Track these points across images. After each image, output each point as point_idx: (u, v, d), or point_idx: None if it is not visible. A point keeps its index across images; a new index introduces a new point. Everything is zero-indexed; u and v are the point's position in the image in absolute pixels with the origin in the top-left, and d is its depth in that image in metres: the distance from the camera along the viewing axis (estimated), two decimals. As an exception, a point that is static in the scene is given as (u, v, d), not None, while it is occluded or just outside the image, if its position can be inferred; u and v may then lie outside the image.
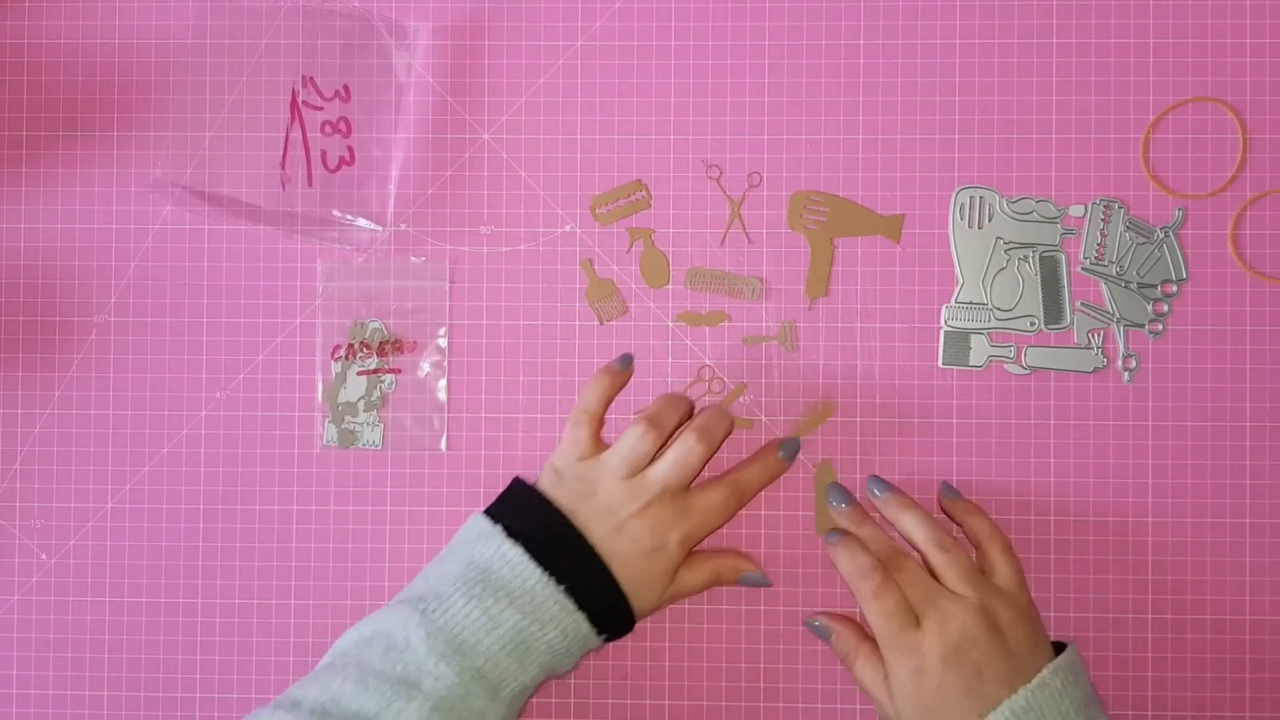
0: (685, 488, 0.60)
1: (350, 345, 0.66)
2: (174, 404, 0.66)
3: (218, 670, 0.65)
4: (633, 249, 0.65)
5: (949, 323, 0.65)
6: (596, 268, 0.65)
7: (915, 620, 0.57)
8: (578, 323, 0.65)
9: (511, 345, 0.65)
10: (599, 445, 0.61)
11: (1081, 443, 0.64)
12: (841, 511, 0.62)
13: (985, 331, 0.64)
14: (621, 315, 0.65)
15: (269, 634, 0.65)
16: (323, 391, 0.66)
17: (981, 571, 0.59)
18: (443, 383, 0.65)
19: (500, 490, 0.61)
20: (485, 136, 0.66)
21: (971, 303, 0.64)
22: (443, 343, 0.66)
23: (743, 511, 0.64)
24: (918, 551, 0.60)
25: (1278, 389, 0.64)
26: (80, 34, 0.67)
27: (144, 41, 0.67)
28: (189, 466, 0.66)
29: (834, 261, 0.65)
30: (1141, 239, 0.64)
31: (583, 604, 0.56)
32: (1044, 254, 0.64)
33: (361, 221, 0.65)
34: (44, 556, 0.66)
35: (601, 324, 0.65)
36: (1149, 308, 0.64)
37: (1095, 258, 0.64)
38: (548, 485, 0.60)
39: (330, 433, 0.66)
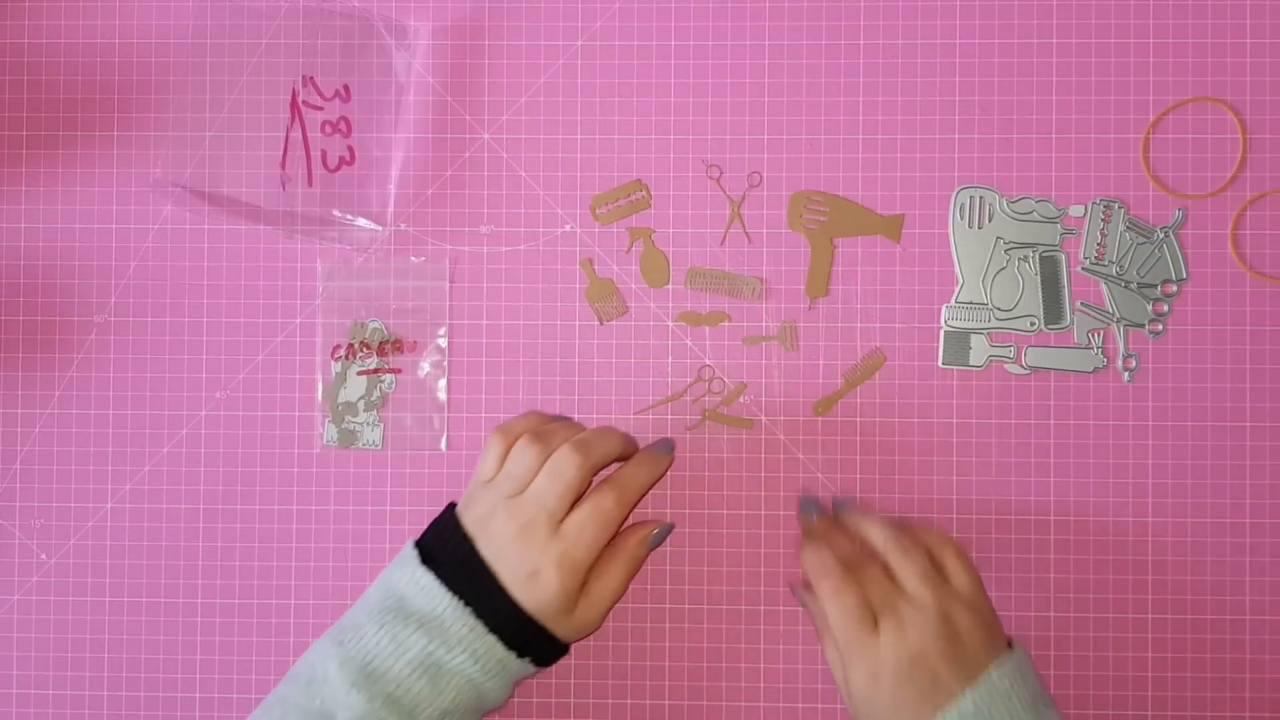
0: (565, 506, 0.57)
1: (350, 345, 0.66)
2: (174, 404, 0.66)
3: (218, 670, 0.65)
4: (633, 249, 0.65)
5: (949, 323, 0.65)
6: (596, 268, 0.65)
7: (874, 622, 0.56)
8: (578, 323, 0.65)
9: (511, 345, 0.65)
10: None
11: (1081, 443, 0.64)
12: (813, 521, 0.62)
13: (985, 331, 0.64)
14: (621, 315, 0.65)
15: (269, 634, 0.65)
16: (323, 391, 0.66)
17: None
18: (443, 383, 0.65)
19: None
20: (485, 136, 0.66)
21: (971, 303, 0.64)
22: (443, 343, 0.66)
23: (741, 512, 0.64)
24: (879, 556, 0.59)
25: (1278, 389, 0.64)
26: (80, 34, 0.67)
27: (144, 41, 0.67)
28: (189, 466, 0.66)
29: (834, 261, 0.65)
30: (1141, 239, 0.64)
31: (494, 627, 0.55)
32: (1044, 254, 0.64)
33: (361, 221, 0.65)
34: (44, 556, 0.66)
35: (601, 324, 0.65)
36: (1149, 308, 0.64)
37: (1095, 258, 0.64)
38: (462, 507, 0.59)
39: (330, 433, 0.66)
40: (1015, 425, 0.64)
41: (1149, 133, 0.65)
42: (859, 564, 0.58)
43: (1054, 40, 0.65)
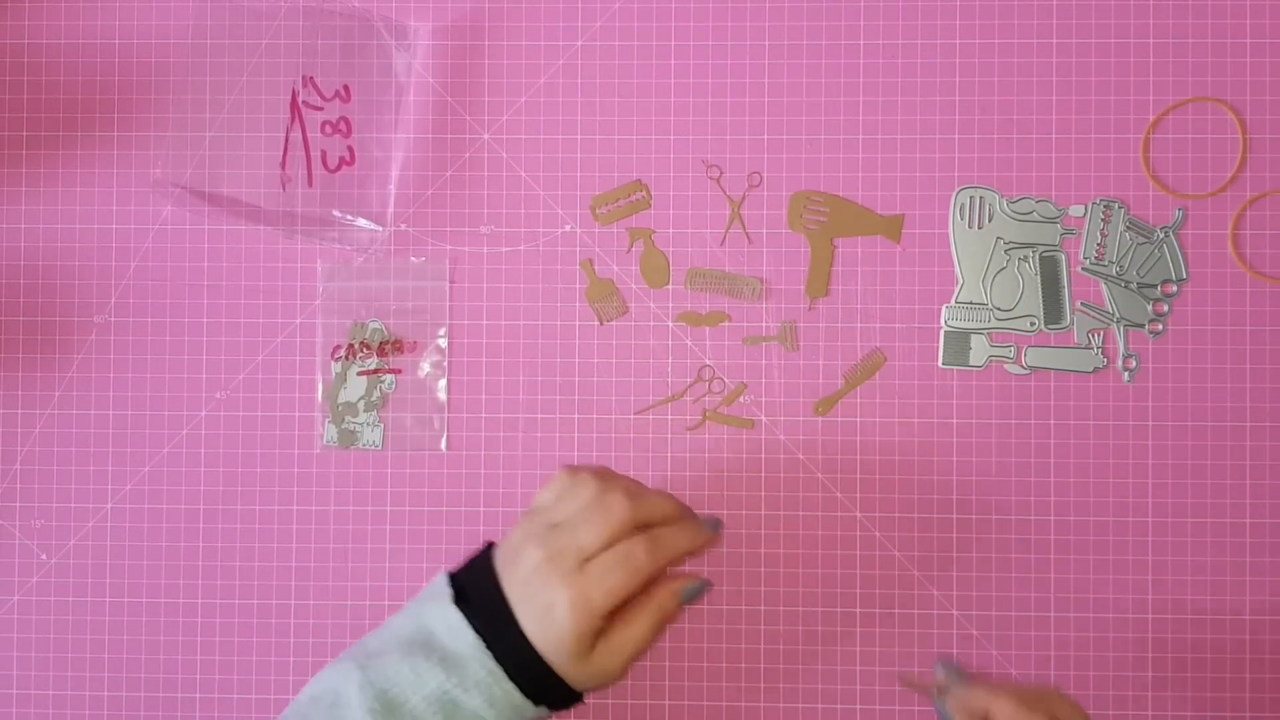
0: (597, 545, 0.54)
1: (350, 345, 0.66)
2: (174, 404, 0.66)
3: (218, 670, 0.65)
4: (633, 249, 0.65)
5: (949, 323, 0.65)
6: (596, 268, 0.65)
7: None
8: (578, 323, 0.65)
9: (511, 345, 0.65)
10: None
11: (1081, 443, 0.64)
12: (944, 680, 0.58)
13: (985, 331, 0.64)
14: (621, 315, 0.65)
15: (269, 634, 0.65)
16: (323, 391, 0.66)
17: None
18: (443, 383, 0.65)
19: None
20: (485, 136, 0.66)
21: (971, 303, 0.64)
22: (443, 343, 0.66)
23: (741, 512, 0.64)
24: None
25: (1278, 389, 0.64)
26: (80, 34, 0.67)
27: (144, 41, 0.67)
28: (189, 466, 0.66)
29: (834, 261, 0.65)
30: (1141, 239, 0.64)
31: (511, 672, 0.54)
32: (1044, 254, 0.64)
33: (361, 221, 0.65)
34: (44, 556, 0.66)
35: (601, 324, 0.65)
36: (1149, 308, 0.64)
37: (1095, 258, 0.64)
38: (502, 540, 0.57)
39: (330, 433, 0.66)
40: (1015, 425, 0.64)
41: (1149, 133, 0.65)
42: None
43: (1054, 40, 0.65)
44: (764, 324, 0.65)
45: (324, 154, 0.65)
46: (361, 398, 0.66)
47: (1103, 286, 0.64)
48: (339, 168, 0.65)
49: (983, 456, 0.64)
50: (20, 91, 0.67)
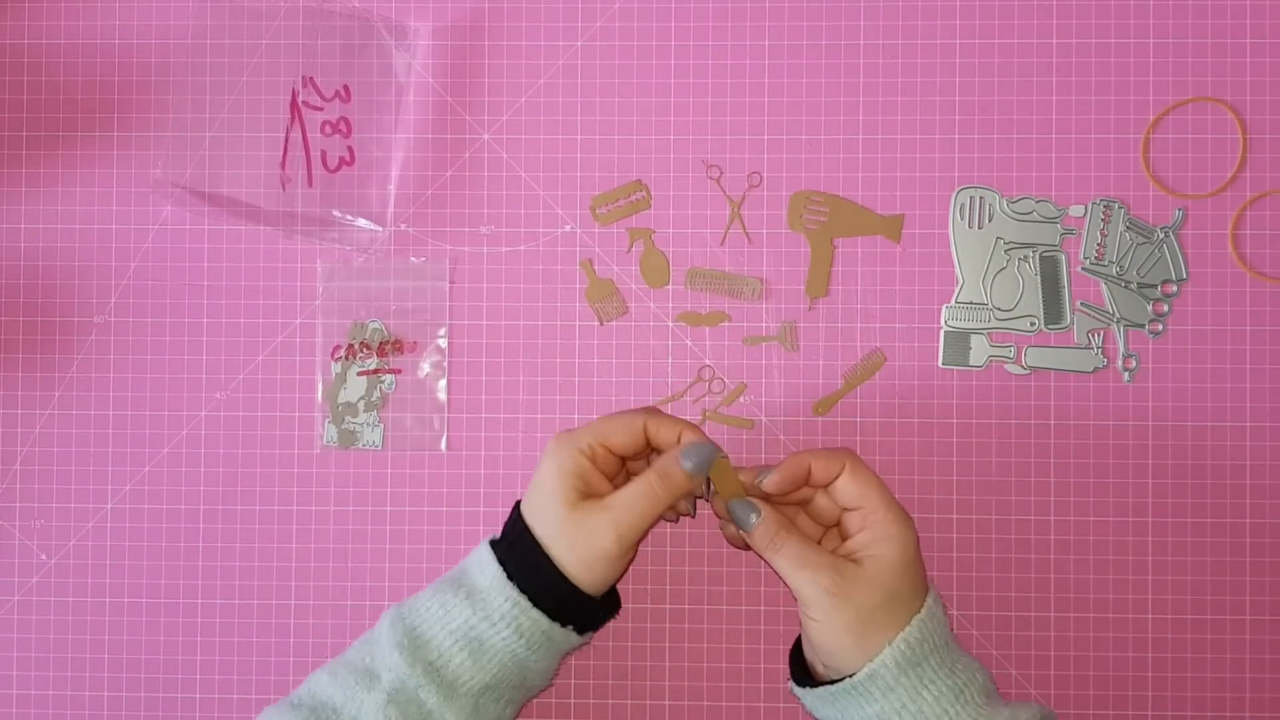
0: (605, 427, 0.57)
1: (350, 345, 0.66)
2: (174, 404, 0.66)
3: (218, 670, 0.65)
4: (633, 249, 0.65)
5: (949, 323, 0.65)
6: (596, 268, 0.65)
7: None
8: (578, 323, 0.65)
9: (511, 345, 0.65)
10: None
11: (1081, 443, 0.64)
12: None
13: (985, 331, 0.64)
14: (621, 315, 0.65)
15: (269, 634, 0.65)
16: (323, 392, 0.66)
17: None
18: (443, 383, 0.65)
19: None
20: (485, 136, 0.66)
21: (971, 303, 0.64)
22: (443, 343, 0.66)
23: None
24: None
25: (1278, 389, 0.64)
26: (80, 34, 0.67)
27: (144, 41, 0.67)
28: (189, 466, 0.66)
29: (834, 261, 0.65)
30: (1141, 239, 0.64)
31: (535, 599, 0.55)
32: (1044, 254, 0.64)
33: (361, 221, 0.65)
34: (44, 556, 0.66)
35: (601, 324, 0.65)
36: (1149, 308, 0.64)
37: (1095, 258, 0.64)
38: None
39: (330, 433, 0.66)
40: (1015, 425, 0.64)
41: (1149, 133, 0.65)
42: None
43: (1054, 40, 0.65)
44: (764, 324, 0.65)
45: (324, 154, 0.65)
46: (361, 398, 0.66)
47: (1103, 286, 0.64)
48: (339, 168, 0.65)
49: (983, 456, 0.64)
50: (20, 91, 0.67)
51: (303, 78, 0.65)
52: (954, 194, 0.65)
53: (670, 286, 0.65)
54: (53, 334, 0.67)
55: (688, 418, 0.65)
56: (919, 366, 0.65)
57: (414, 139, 0.66)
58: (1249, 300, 0.64)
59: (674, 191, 0.65)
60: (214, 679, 0.65)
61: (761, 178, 0.65)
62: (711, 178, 0.65)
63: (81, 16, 0.67)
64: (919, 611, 0.54)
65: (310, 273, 0.66)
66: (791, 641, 0.63)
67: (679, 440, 0.57)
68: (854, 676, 0.54)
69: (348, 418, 0.66)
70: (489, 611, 0.55)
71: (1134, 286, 0.64)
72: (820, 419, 0.65)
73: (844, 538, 0.57)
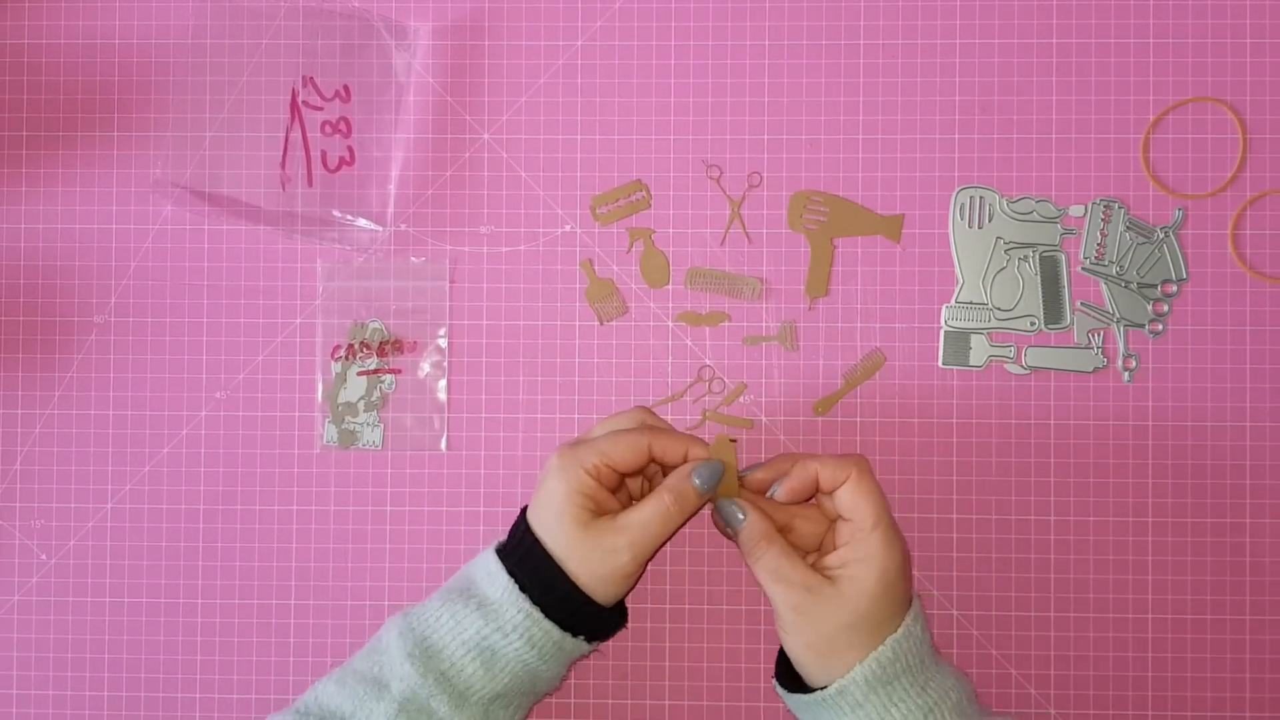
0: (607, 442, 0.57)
1: (350, 345, 0.66)
2: (174, 404, 0.66)
3: (218, 670, 0.65)
4: (633, 249, 0.65)
5: (949, 323, 0.65)
6: (596, 268, 0.65)
7: None
8: (578, 323, 0.65)
9: (511, 345, 0.65)
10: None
11: (1081, 443, 0.64)
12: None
13: (985, 331, 0.64)
14: (621, 315, 0.65)
15: (269, 634, 0.65)
16: (323, 391, 0.66)
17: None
18: (443, 383, 0.65)
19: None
20: (485, 136, 0.66)
21: (971, 303, 0.64)
22: (443, 343, 0.66)
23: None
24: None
25: (1278, 389, 0.64)
26: (80, 34, 0.67)
27: (144, 41, 0.67)
28: (189, 466, 0.66)
29: (834, 261, 0.65)
30: (1141, 239, 0.64)
31: (547, 610, 0.55)
32: (1044, 254, 0.64)
33: (361, 221, 0.65)
34: (44, 556, 0.66)
35: (601, 324, 0.65)
36: (1149, 308, 0.64)
37: (1095, 258, 0.64)
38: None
39: (330, 433, 0.66)
40: (1015, 425, 0.64)
41: (1149, 133, 0.65)
42: None
43: (1054, 40, 0.65)
44: (764, 324, 0.65)
45: (324, 154, 0.65)
46: (361, 398, 0.66)
47: (1103, 286, 0.64)
48: (339, 168, 0.65)
49: (983, 456, 0.64)
50: (20, 91, 0.67)
51: (303, 78, 0.65)
52: (954, 194, 0.65)
53: (670, 286, 0.65)
54: (53, 334, 0.67)
55: (688, 418, 0.65)
56: (919, 366, 0.65)
57: (414, 139, 0.66)
58: (1249, 300, 0.64)
59: (674, 191, 0.65)
60: (214, 679, 0.65)
61: (761, 178, 0.65)
62: (711, 178, 0.65)
63: (81, 16, 0.67)
64: (895, 631, 0.55)
65: (310, 273, 0.66)
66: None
67: (685, 457, 0.57)
68: (825, 690, 0.55)
69: (348, 418, 0.66)
70: (501, 622, 0.55)
71: (1134, 286, 0.64)
72: (820, 419, 0.65)
73: (833, 546, 0.57)
